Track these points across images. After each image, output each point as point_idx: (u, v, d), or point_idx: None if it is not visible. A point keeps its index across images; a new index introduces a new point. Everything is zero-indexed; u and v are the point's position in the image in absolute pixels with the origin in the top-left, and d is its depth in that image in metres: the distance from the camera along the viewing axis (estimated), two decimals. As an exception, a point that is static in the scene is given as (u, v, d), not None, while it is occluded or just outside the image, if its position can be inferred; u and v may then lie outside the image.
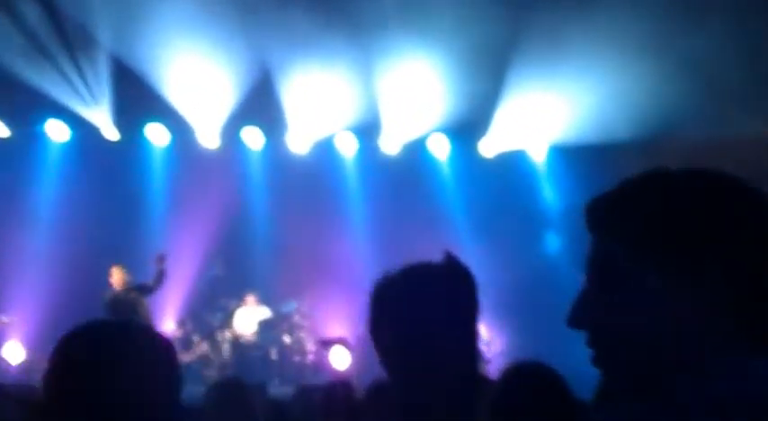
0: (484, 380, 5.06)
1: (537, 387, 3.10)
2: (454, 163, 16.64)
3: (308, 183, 15.82)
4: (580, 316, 1.44)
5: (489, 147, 16.39)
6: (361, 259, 15.62)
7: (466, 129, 16.05)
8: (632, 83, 13.60)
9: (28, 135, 15.27)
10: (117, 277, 12.55)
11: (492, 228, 15.71)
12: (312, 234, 15.33)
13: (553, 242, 16.30)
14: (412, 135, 16.15)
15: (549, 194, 16.64)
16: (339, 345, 13.38)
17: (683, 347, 1.37)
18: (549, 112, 15.38)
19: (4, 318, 13.11)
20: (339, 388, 5.69)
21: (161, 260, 12.63)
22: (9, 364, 13.84)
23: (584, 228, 1.51)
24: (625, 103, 13.86)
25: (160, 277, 12.67)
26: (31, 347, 14.45)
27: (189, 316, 14.80)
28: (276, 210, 15.80)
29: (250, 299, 14.75)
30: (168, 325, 14.45)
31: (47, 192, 15.35)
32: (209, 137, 15.78)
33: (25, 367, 14.05)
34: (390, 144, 16.26)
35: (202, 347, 14.46)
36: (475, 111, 15.57)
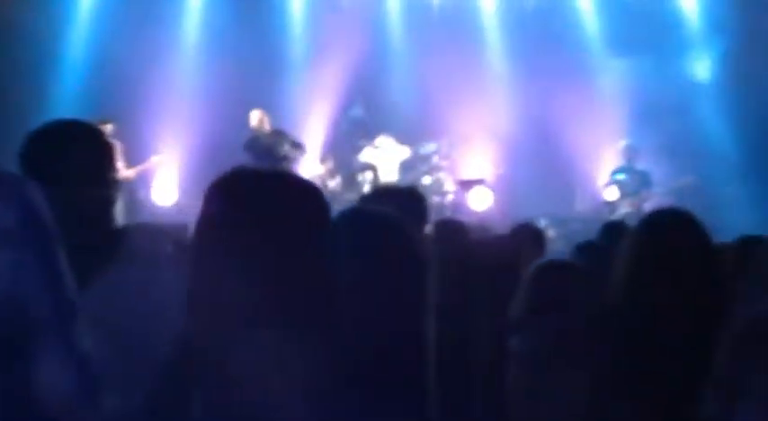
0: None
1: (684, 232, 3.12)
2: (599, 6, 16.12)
3: (448, 23, 15.69)
4: None
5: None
6: (500, 101, 15.55)
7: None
8: None
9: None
10: (256, 120, 12.84)
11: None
12: (452, 76, 15.25)
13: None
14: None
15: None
16: (479, 186, 13.50)
17: None
18: None
19: (157, 156, 13.60)
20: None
21: None
22: (161, 205, 14.40)
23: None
24: None
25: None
26: (183, 187, 15.08)
27: (330, 155, 15.08)
28: (416, 52, 15.79)
29: (384, 140, 14.89)
30: (310, 163, 14.68)
31: (191, 35, 15.69)
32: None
33: (177, 207, 14.66)
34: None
35: (337, 180, 14.80)
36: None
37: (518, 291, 3.57)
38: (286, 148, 12.87)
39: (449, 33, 15.57)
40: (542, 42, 15.46)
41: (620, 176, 14.20)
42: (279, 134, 13.02)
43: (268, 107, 13.66)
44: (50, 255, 1.74)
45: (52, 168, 2.51)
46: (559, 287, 3.54)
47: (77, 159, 2.58)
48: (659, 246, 3.08)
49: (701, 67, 15.70)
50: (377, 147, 14.98)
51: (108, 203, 2.67)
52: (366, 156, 15.03)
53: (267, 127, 12.90)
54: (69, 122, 2.73)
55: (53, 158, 2.55)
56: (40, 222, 1.75)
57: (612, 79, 15.63)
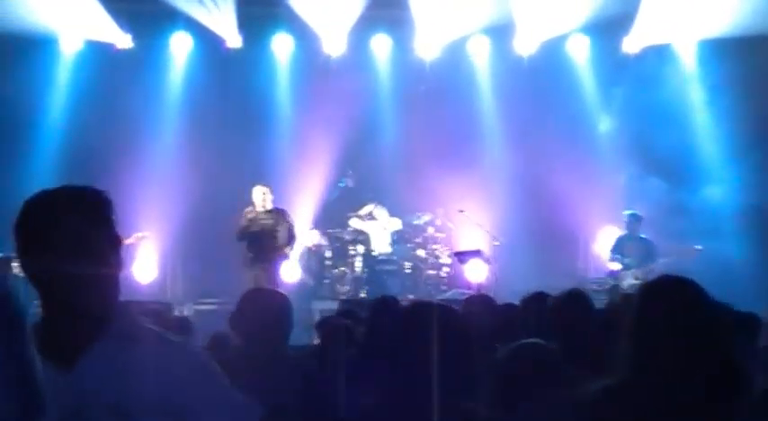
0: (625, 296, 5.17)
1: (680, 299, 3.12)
2: (595, 63, 16.21)
3: (438, 88, 15.79)
4: None
5: (633, 43, 15.90)
6: (496, 167, 15.62)
7: (608, 27, 15.67)
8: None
9: (151, 46, 15.67)
10: (259, 196, 12.87)
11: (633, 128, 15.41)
12: (444, 142, 15.36)
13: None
14: (548, 35, 15.83)
15: (698, 92, 15.98)
16: (476, 258, 13.51)
17: None
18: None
19: (140, 234, 13.56)
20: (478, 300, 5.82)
21: None
22: (141, 282, 14.37)
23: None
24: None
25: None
26: (163, 264, 15.08)
27: (320, 229, 15.10)
28: (405, 119, 15.87)
29: (375, 210, 15.03)
30: (301, 237, 14.67)
31: (172, 102, 15.80)
32: (334, 43, 15.82)
33: (157, 284, 14.69)
34: (525, 45, 15.95)
35: (328, 253, 14.84)
36: (618, 5, 15.23)
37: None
38: (280, 235, 12.92)
39: (441, 100, 15.70)
40: (537, 104, 15.58)
41: (624, 246, 14.22)
42: (279, 215, 13.07)
43: (255, 178, 13.73)
44: (16, 346, 1.68)
45: (48, 240, 2.44)
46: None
47: (75, 229, 2.47)
48: (662, 316, 3.07)
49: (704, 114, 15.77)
50: (368, 218, 15.06)
51: (104, 278, 2.54)
52: (356, 226, 15.10)
53: (269, 205, 12.95)
54: (69, 190, 2.57)
55: (49, 228, 2.46)
56: (2, 311, 1.66)
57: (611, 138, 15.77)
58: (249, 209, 12.96)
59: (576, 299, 5.33)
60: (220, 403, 2.66)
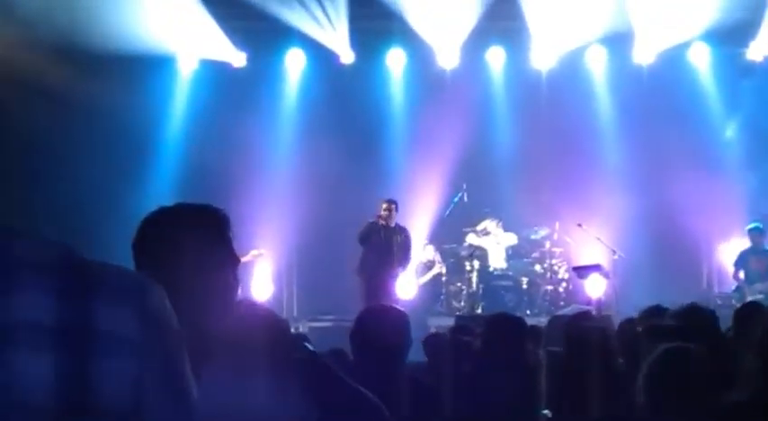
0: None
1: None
2: (717, 71, 15.88)
3: (552, 100, 15.66)
4: None
5: (758, 50, 15.54)
6: (615, 179, 15.40)
7: (730, 34, 15.34)
8: None
9: (266, 64, 15.95)
10: (386, 210, 13.02)
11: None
12: (561, 155, 15.23)
13: None
14: (668, 44, 15.56)
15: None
16: (594, 273, 13.35)
17: None
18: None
19: (256, 251, 13.74)
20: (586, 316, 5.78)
21: None
22: (258, 299, 14.55)
23: None
24: None
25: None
26: (279, 281, 15.29)
27: (435, 244, 15.10)
28: (521, 131, 15.78)
29: (490, 225, 14.94)
30: (417, 253, 14.69)
31: (287, 118, 16.08)
32: (448, 56, 15.84)
33: (273, 301, 14.87)
34: (644, 54, 15.71)
35: (442, 268, 14.82)
36: (742, 12, 14.92)
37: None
38: (397, 253, 13.00)
39: (557, 112, 15.56)
40: (657, 113, 15.35)
41: (748, 260, 13.88)
42: (400, 233, 13.17)
43: (368, 194, 13.85)
44: (175, 365, 1.67)
45: (166, 257, 2.47)
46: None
47: (193, 246, 2.49)
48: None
49: None
50: (483, 234, 15.01)
51: (221, 296, 2.54)
52: (472, 242, 15.05)
53: (392, 222, 13.06)
54: (187, 208, 2.61)
55: (167, 245, 2.49)
56: (164, 329, 1.65)
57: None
58: (374, 220, 13.05)
59: (694, 313, 5.24)
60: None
